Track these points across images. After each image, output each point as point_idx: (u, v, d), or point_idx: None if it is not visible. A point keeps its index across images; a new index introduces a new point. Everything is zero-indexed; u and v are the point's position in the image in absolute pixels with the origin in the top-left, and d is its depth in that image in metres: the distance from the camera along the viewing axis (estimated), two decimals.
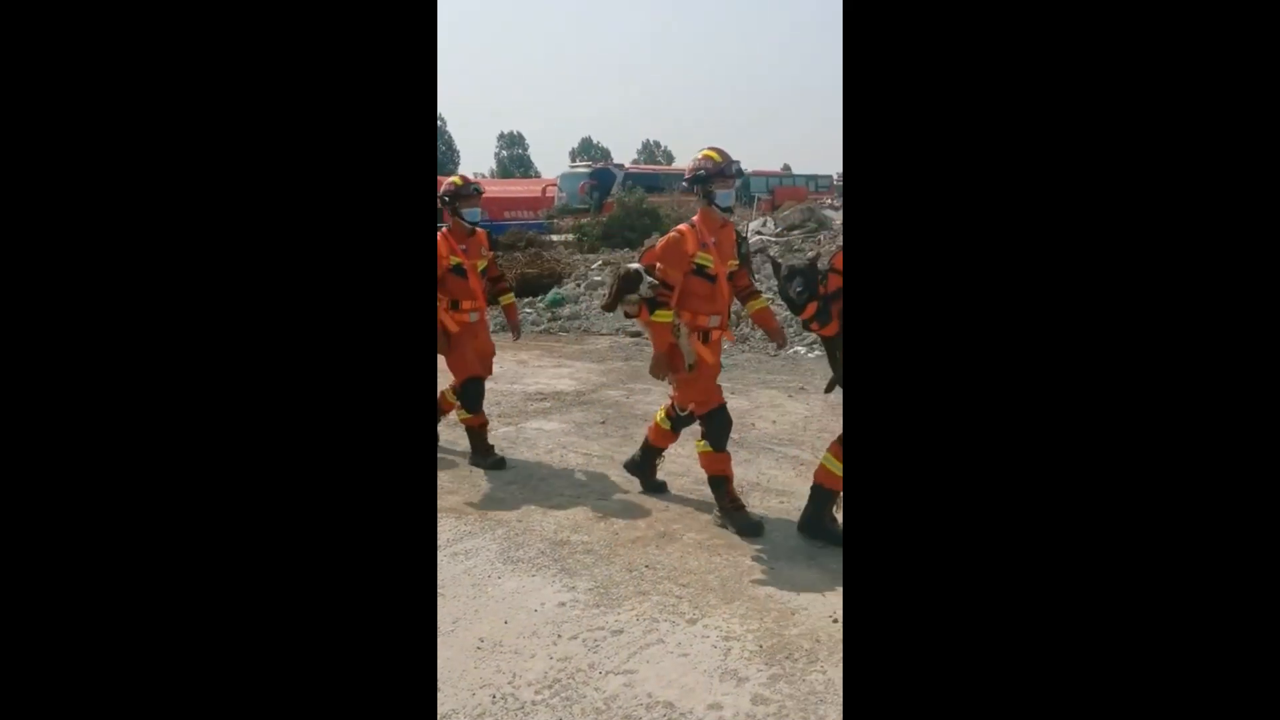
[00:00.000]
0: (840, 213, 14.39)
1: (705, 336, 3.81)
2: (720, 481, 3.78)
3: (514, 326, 4.96)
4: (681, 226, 3.78)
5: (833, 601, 2.97)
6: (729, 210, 3.78)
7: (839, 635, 2.73)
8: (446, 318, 4.57)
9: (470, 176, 4.97)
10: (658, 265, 3.74)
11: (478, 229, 4.73)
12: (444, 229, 4.62)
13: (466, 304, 4.63)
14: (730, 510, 3.73)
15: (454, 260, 4.58)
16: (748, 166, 27.82)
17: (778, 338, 4.16)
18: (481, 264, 4.71)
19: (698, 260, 3.71)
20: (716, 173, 3.69)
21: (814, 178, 29.63)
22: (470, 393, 4.62)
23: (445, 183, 4.67)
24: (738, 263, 3.87)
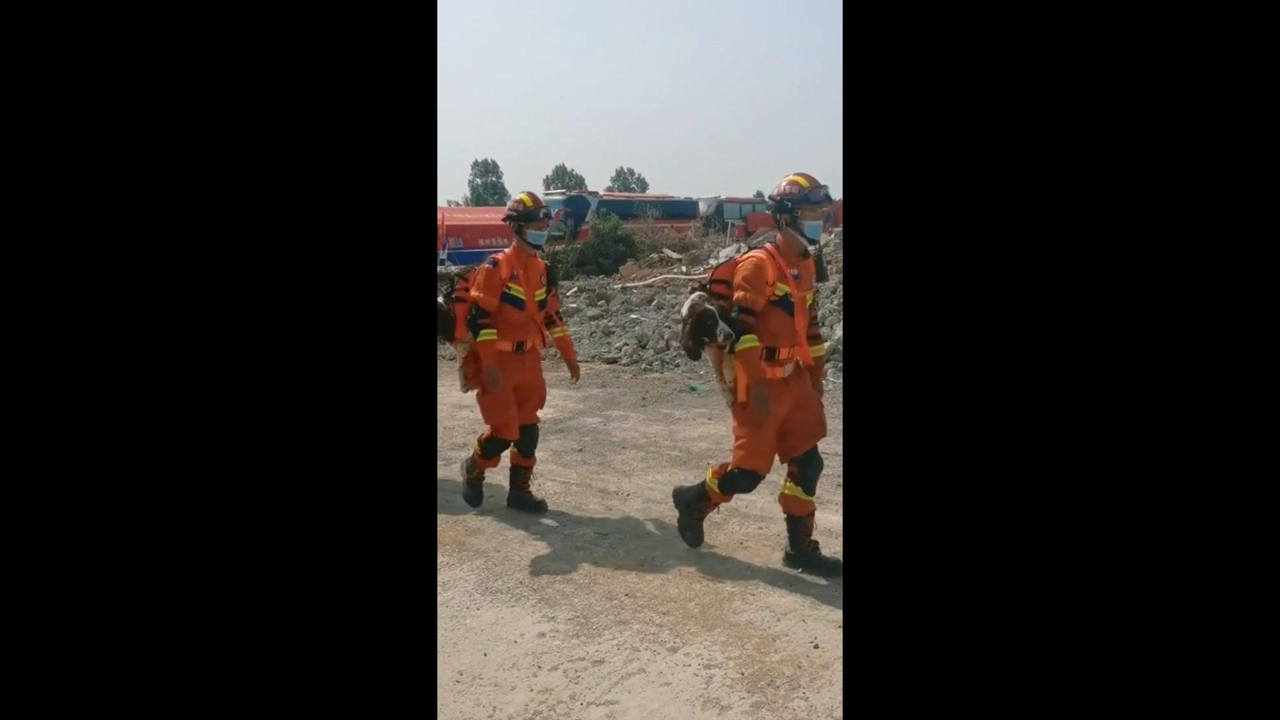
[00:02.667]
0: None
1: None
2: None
3: (816, 386, 3.66)
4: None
5: (813, 627, 2.97)
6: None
7: (820, 661, 2.73)
8: (762, 370, 3.33)
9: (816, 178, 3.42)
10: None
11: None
12: (769, 245, 3.42)
13: (785, 351, 3.39)
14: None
15: (781, 290, 3.34)
16: (721, 194, 28.12)
17: None
18: (810, 297, 3.55)
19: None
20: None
21: None
22: (813, 466, 3.50)
23: (781, 184, 3.37)
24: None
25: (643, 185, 71.30)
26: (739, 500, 4.40)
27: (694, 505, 3.66)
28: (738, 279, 3.33)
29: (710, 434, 5.92)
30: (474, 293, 4.11)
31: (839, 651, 2.75)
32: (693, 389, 7.49)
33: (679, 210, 26.22)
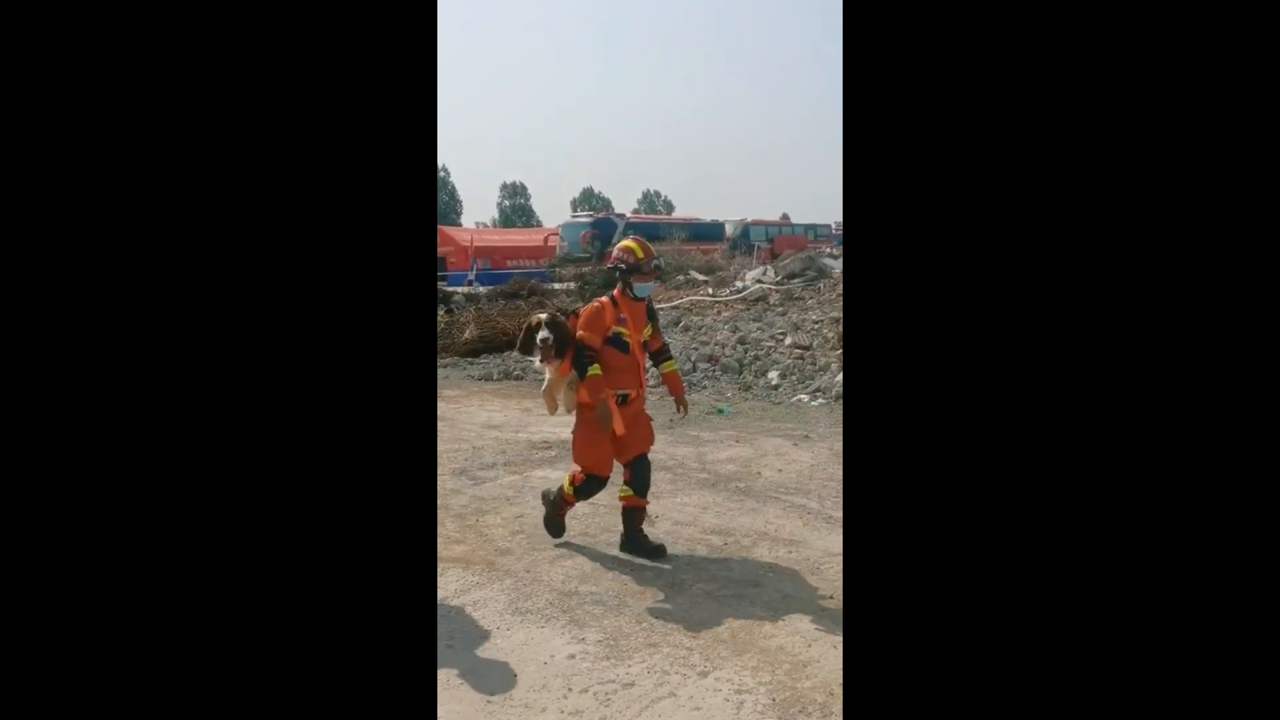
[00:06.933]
0: (840, 260, 14.51)
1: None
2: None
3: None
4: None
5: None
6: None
7: None
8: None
9: None
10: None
11: None
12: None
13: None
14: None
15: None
16: (748, 216, 28.24)
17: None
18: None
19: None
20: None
21: (813, 227, 30.04)
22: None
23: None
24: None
25: (669, 207, 71.76)
26: (768, 524, 4.39)
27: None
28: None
29: (738, 456, 5.90)
30: None
31: None
32: (720, 411, 7.48)
33: (706, 232, 26.35)
